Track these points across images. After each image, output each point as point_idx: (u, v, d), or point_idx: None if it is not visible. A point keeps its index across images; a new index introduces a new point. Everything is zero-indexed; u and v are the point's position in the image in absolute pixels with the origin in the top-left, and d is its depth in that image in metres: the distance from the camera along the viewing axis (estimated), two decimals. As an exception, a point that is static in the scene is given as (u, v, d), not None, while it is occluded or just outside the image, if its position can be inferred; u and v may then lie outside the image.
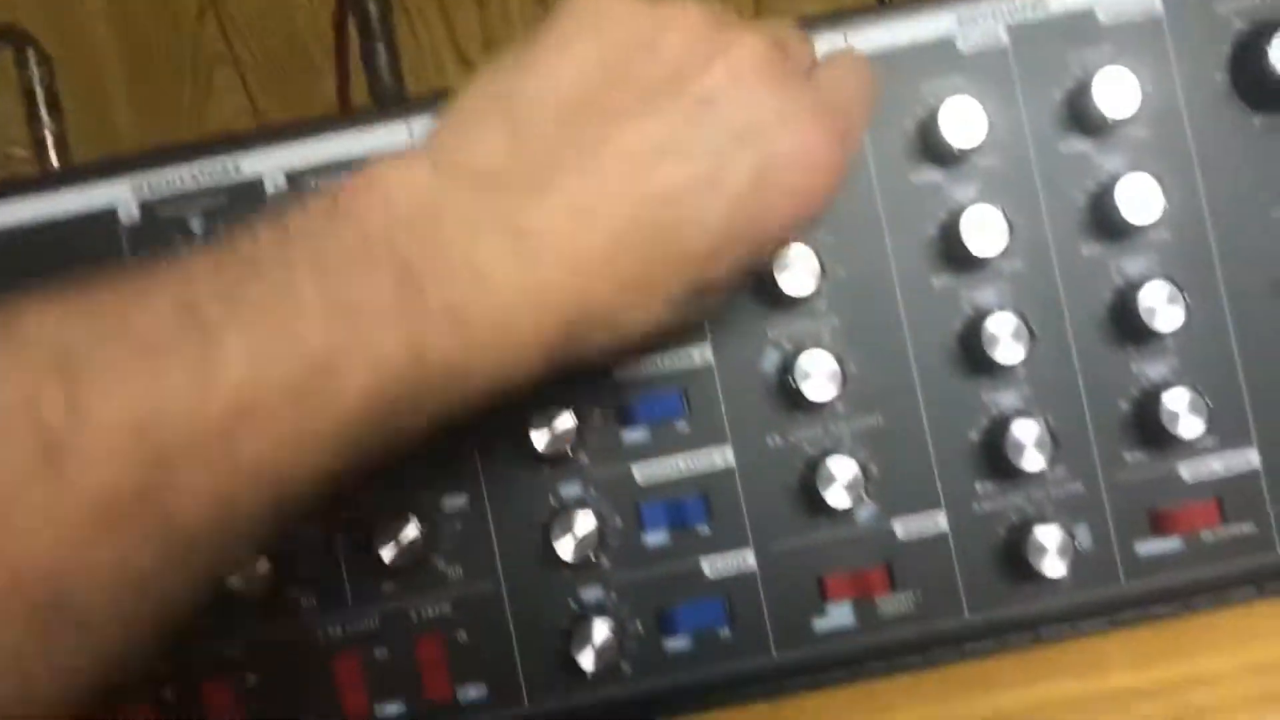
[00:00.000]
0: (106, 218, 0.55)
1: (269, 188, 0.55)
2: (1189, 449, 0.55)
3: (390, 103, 0.62)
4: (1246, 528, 0.55)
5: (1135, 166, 0.54)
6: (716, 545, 0.56)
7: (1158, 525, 0.55)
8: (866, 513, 0.55)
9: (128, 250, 0.55)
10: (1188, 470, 0.55)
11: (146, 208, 0.55)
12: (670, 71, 0.42)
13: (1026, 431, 0.53)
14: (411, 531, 0.54)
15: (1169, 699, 0.54)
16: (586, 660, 0.54)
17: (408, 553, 0.54)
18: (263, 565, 0.54)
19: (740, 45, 0.42)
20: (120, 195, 0.55)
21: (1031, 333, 0.53)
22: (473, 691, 0.56)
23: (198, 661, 0.56)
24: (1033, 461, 0.53)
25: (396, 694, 0.56)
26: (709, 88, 0.42)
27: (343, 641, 0.56)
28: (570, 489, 0.56)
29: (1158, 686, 0.54)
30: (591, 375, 0.54)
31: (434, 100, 0.54)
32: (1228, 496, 0.55)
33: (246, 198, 0.55)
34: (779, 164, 0.42)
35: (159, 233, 0.55)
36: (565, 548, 0.54)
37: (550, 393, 0.53)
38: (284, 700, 0.56)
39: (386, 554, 0.54)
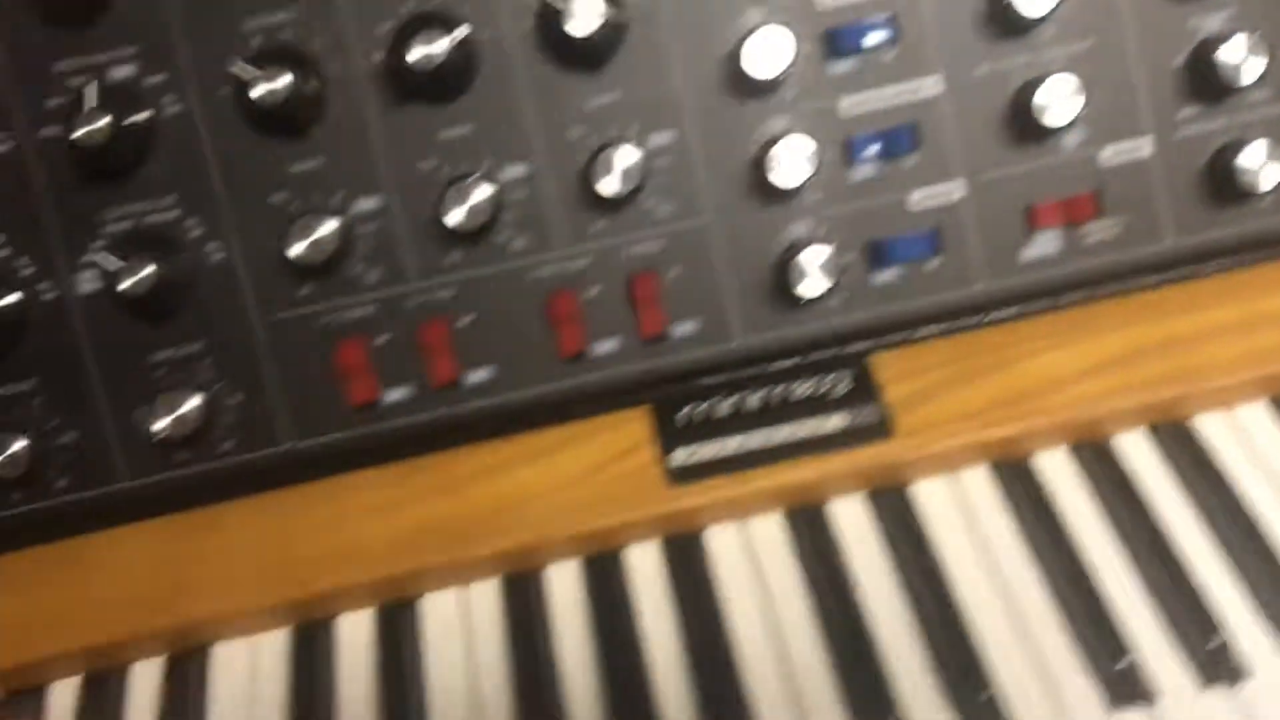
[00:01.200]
0: None
1: None
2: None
3: None
4: None
5: None
6: (925, 177, 0.56)
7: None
8: (1074, 139, 0.56)
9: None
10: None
11: None
12: None
13: (1235, 49, 0.54)
14: (629, 157, 0.54)
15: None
16: (804, 288, 0.55)
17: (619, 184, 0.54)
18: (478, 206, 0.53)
19: None
20: None
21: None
22: (686, 327, 0.57)
23: (412, 303, 0.56)
24: (1245, 75, 0.54)
25: (612, 331, 0.57)
26: None
27: (556, 281, 0.56)
28: (778, 122, 0.55)
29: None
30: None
31: None
32: None
33: None
34: None
35: None
36: (780, 175, 0.54)
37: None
38: (498, 338, 0.56)
39: (603, 187, 0.54)
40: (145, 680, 0.55)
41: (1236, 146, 0.55)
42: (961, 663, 0.49)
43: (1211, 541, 0.52)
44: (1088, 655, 0.49)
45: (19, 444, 0.55)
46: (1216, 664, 0.47)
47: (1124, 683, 0.47)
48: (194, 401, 0.55)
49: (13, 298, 0.55)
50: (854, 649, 0.50)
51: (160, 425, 0.54)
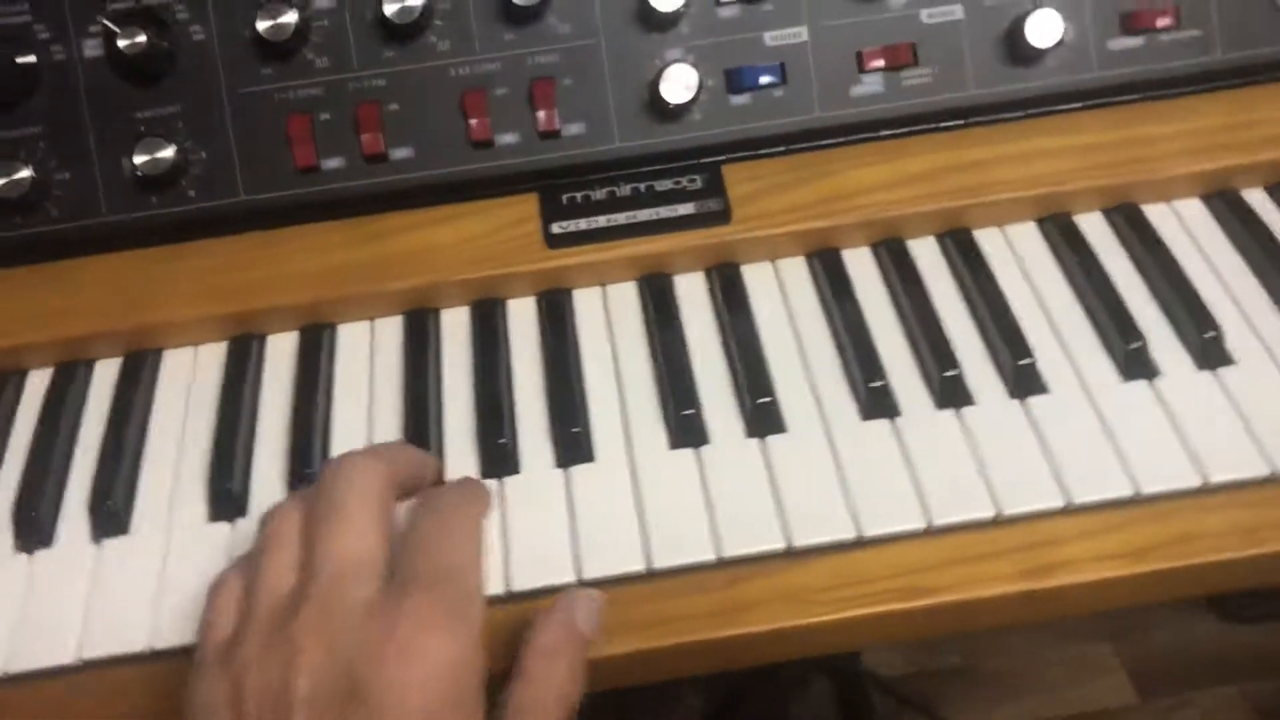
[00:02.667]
0: None
1: None
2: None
3: None
4: (1194, 32, 0.69)
5: None
6: (778, 21, 0.69)
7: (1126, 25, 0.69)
8: (900, 1, 0.69)
9: None
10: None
11: None
12: None
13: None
14: (535, -20, 0.67)
15: (1122, 150, 0.68)
16: (670, 97, 0.67)
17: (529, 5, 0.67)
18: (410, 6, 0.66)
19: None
20: None
21: None
22: (574, 128, 0.70)
23: (351, 88, 0.69)
24: (1037, -45, 0.67)
25: (514, 126, 0.69)
26: None
27: (471, 80, 0.69)
28: (660, -38, 0.68)
29: (1116, 141, 0.68)
30: None
31: None
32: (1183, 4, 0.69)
33: None
34: None
35: None
36: (660, 2, 0.67)
37: None
38: (420, 123, 0.69)
39: (519, 2, 0.67)
40: (105, 373, 0.68)
41: (1026, 15, 0.68)
42: (758, 394, 0.61)
43: (970, 317, 0.64)
44: (851, 383, 0.61)
45: (24, 173, 0.68)
46: (953, 391, 0.60)
47: (876, 399, 0.60)
48: (168, 151, 0.68)
49: (30, 57, 0.68)
50: (679, 390, 0.62)
51: (139, 161, 0.67)
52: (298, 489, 0.60)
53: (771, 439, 0.59)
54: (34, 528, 0.59)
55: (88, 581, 0.57)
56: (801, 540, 0.54)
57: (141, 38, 0.66)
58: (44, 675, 0.55)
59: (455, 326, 0.68)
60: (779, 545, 0.55)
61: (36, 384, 0.68)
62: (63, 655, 0.54)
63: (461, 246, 0.68)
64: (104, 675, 0.55)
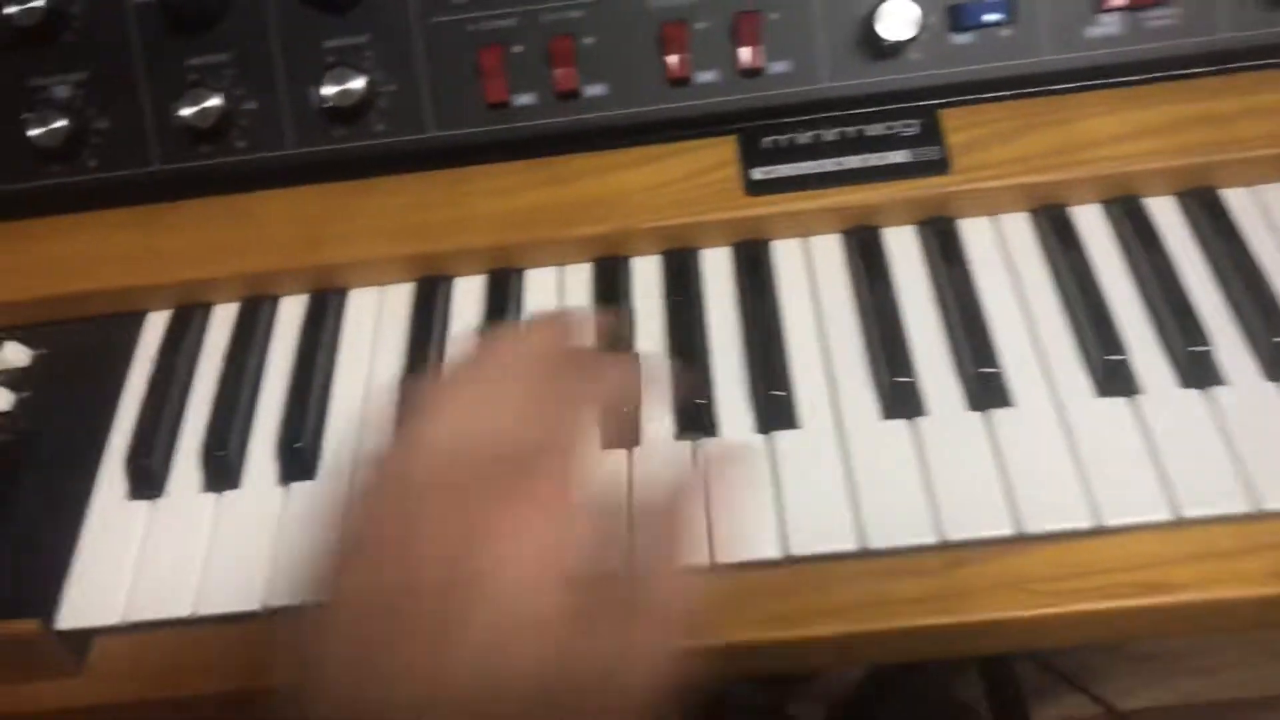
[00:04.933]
0: None
1: None
2: None
3: None
4: None
5: None
6: (1007, -47, 0.63)
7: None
8: (1149, -70, 0.62)
9: None
10: None
11: None
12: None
13: None
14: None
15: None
16: (887, 33, 0.62)
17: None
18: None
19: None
20: None
21: None
22: (780, 66, 0.65)
23: (546, 19, 0.65)
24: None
25: (714, 63, 0.65)
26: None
27: (670, 12, 0.65)
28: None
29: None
30: None
31: None
32: None
33: None
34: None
35: None
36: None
37: None
38: (616, 59, 0.65)
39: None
40: (291, 310, 0.66)
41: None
42: (982, 363, 0.56)
43: (1218, 287, 0.58)
44: (1085, 354, 0.56)
45: (213, 101, 0.66)
46: (1200, 366, 0.54)
47: (1113, 376, 0.55)
48: (358, 83, 0.65)
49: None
50: (893, 355, 0.58)
51: (328, 93, 0.65)
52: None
53: (996, 413, 0.54)
54: (223, 469, 0.58)
55: (275, 527, 0.56)
56: (1034, 527, 0.50)
57: (341, -37, 0.63)
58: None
59: (646, 275, 0.65)
60: (1007, 531, 0.51)
61: (222, 318, 0.66)
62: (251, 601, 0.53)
63: (654, 191, 0.65)
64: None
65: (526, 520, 0.40)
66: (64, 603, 0.54)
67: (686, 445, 0.56)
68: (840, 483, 0.53)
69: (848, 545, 0.51)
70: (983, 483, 0.52)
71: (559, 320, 0.49)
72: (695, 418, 0.56)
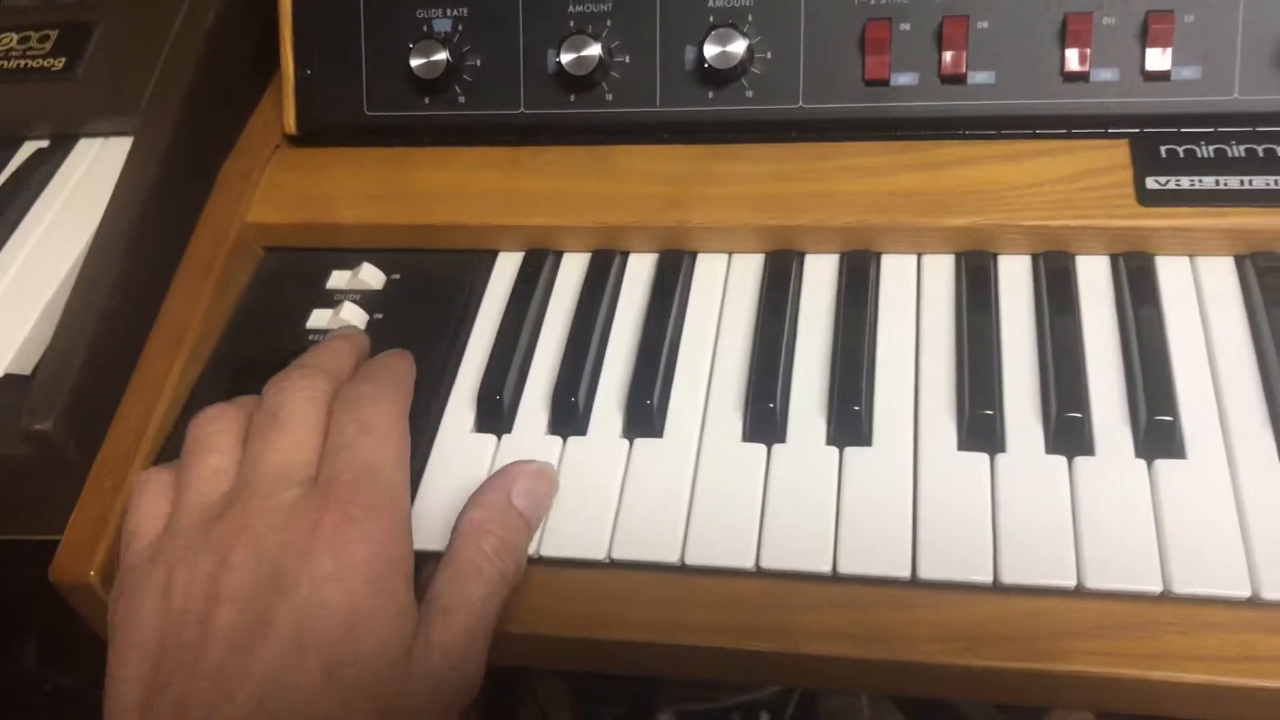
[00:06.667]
0: None
1: None
2: None
3: None
4: None
5: None
6: None
7: None
8: None
9: None
10: None
11: None
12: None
13: None
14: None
15: None
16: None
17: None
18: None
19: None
20: None
21: None
22: (1188, 71, 0.61)
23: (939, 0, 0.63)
24: None
25: (1115, 61, 0.61)
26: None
27: (1076, 3, 0.61)
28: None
29: None
30: None
31: None
32: None
33: None
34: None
35: None
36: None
37: None
38: (1010, 46, 0.62)
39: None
40: (640, 266, 0.66)
41: None
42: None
43: None
44: None
45: (592, 49, 0.66)
46: None
47: None
48: (738, 45, 0.64)
49: (612, -69, 0.66)
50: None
51: (710, 53, 0.64)
52: (836, 413, 0.56)
53: None
54: (571, 415, 0.58)
55: (619, 478, 0.56)
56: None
57: (734, -78, 0.62)
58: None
59: (1014, 275, 0.62)
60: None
61: (573, 267, 0.67)
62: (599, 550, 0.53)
63: (1032, 189, 0.62)
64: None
65: (328, 542, 0.47)
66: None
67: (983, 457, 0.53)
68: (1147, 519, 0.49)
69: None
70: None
71: (338, 342, 0.59)
72: (985, 431, 0.53)
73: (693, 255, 0.66)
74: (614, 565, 0.53)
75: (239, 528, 0.48)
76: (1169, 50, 0.61)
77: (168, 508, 0.52)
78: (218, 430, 0.53)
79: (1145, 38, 0.61)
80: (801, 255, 0.65)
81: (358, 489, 0.49)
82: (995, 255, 0.62)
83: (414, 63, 0.68)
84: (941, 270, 0.63)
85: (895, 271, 0.63)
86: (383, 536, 0.49)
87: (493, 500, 0.53)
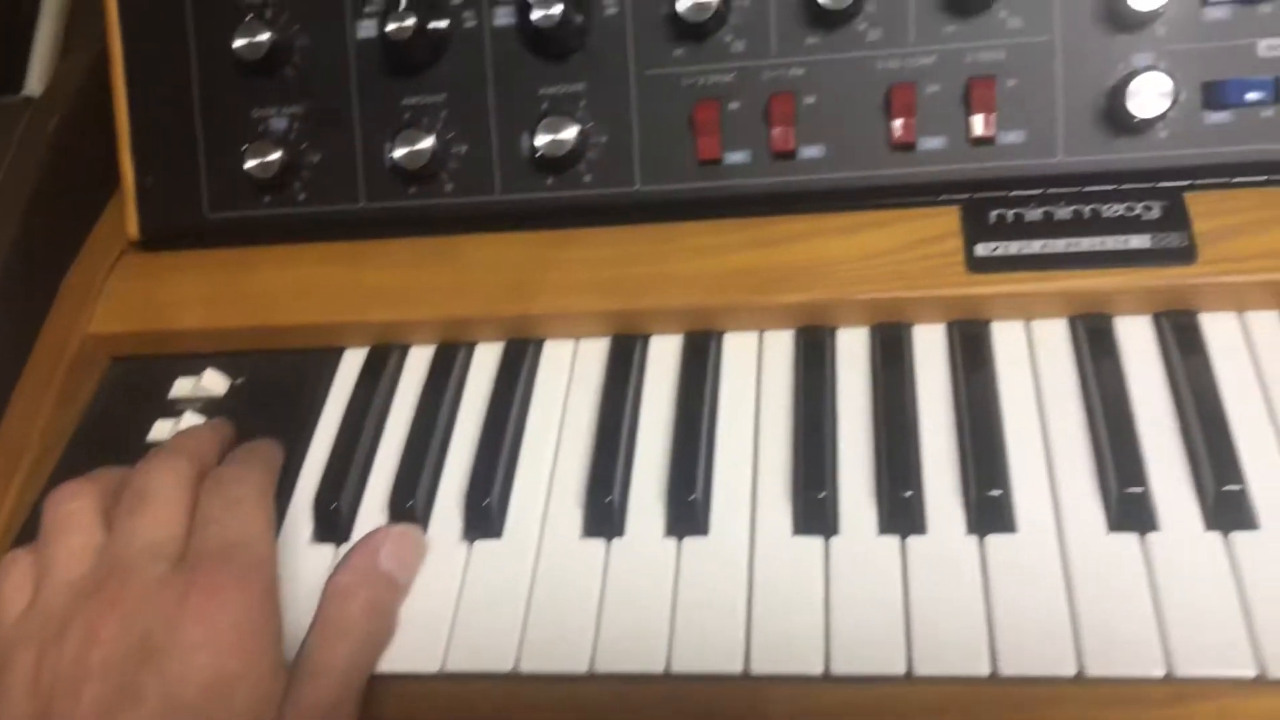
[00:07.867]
0: None
1: None
2: None
3: None
4: None
5: None
6: (1277, 26, 0.58)
7: None
8: None
9: None
10: None
11: None
12: None
13: None
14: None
15: None
16: (1136, 110, 0.58)
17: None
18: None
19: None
20: None
21: None
22: (1012, 136, 0.61)
23: (766, 76, 0.63)
24: None
25: (941, 130, 0.62)
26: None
27: (900, 74, 0.62)
28: (1139, -51, 0.58)
29: None
30: None
31: None
32: None
33: None
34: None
35: None
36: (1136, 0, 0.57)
37: None
38: (837, 120, 0.62)
39: (962, -12, 0.59)
40: (486, 358, 0.65)
41: None
42: (1225, 479, 0.51)
43: None
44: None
45: (426, 142, 0.66)
46: None
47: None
48: (570, 132, 0.64)
49: (442, 22, 0.66)
50: (1123, 460, 0.53)
51: (541, 141, 0.64)
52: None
53: (1236, 535, 0.49)
54: (410, 519, 0.57)
55: (456, 586, 0.55)
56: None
57: (558, 9, 0.62)
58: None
59: (852, 349, 0.61)
60: (1247, 672, 0.46)
61: (418, 361, 0.66)
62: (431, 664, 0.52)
63: (867, 261, 0.61)
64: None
65: (198, 612, 0.48)
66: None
67: (895, 540, 0.52)
68: (1060, 597, 0.49)
69: (1068, 670, 0.47)
70: (1217, 609, 0.47)
71: (203, 429, 0.60)
72: (905, 513, 0.53)
73: (539, 343, 0.65)
74: (451, 678, 0.52)
75: (109, 604, 0.49)
76: (993, 115, 0.61)
77: (31, 589, 0.52)
78: (76, 509, 0.54)
79: (969, 104, 0.61)
80: (646, 338, 0.64)
81: (225, 561, 0.50)
82: (833, 329, 0.62)
83: (249, 164, 0.67)
84: (781, 346, 0.62)
85: (737, 349, 0.63)
86: (251, 603, 0.50)
87: (359, 563, 0.53)
